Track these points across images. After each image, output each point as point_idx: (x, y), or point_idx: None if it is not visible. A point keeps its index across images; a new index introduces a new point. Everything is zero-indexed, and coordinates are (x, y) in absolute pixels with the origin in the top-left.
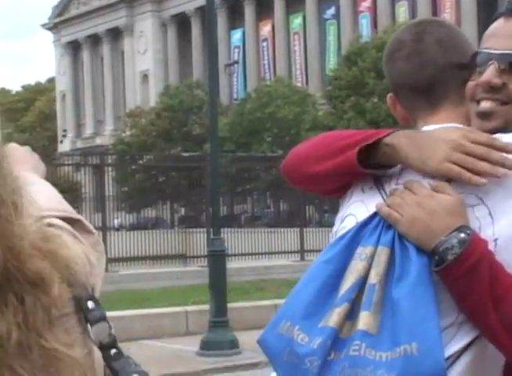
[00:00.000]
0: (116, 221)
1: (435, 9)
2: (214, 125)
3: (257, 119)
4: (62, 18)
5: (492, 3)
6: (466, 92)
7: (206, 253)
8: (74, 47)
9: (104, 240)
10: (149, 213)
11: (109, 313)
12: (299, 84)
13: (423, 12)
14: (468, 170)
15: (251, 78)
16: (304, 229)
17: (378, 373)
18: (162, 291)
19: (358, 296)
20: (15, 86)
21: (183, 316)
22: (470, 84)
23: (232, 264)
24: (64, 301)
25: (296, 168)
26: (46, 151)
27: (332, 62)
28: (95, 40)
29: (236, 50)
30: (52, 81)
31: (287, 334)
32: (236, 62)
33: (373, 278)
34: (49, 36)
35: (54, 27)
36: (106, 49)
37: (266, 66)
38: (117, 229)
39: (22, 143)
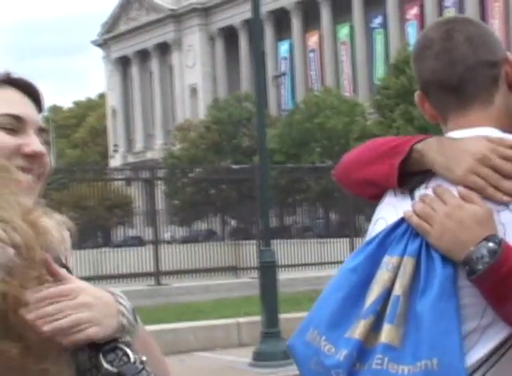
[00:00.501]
0: (167, 234)
1: (483, 15)
2: (263, 137)
3: (306, 130)
4: (111, 34)
5: None
6: None
7: (257, 265)
8: (124, 62)
9: (156, 254)
10: (200, 226)
11: (162, 326)
12: (347, 94)
13: (472, 10)
14: (492, 186)
15: (299, 89)
16: (355, 239)
17: None
18: (214, 302)
19: (383, 308)
20: (66, 103)
21: (235, 327)
22: None
23: (283, 275)
24: (43, 264)
25: (344, 173)
26: (96, 166)
27: (380, 71)
28: (143, 55)
29: (284, 61)
30: (102, 96)
31: (314, 342)
32: (284, 73)
33: (398, 290)
34: (99, 52)
35: (104, 43)
36: (154, 64)
37: (314, 77)
38: (169, 243)
39: (74, 159)
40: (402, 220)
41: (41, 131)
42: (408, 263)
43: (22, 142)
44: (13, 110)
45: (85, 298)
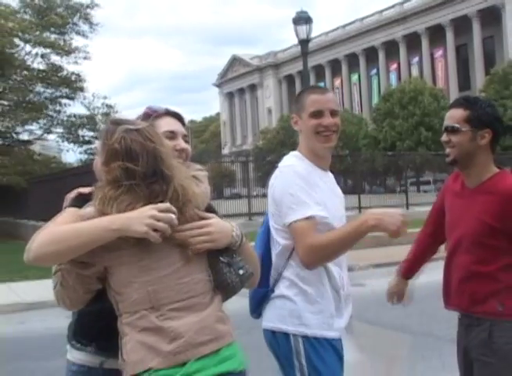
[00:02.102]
0: (254, 192)
1: (433, 68)
2: None
3: None
4: (223, 79)
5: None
6: None
7: None
8: (230, 95)
9: (249, 203)
10: None
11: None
12: (357, 113)
13: (427, 69)
14: None
15: None
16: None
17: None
18: None
19: None
20: (198, 118)
21: None
22: None
23: None
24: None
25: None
26: (215, 153)
27: (375, 99)
28: (241, 91)
29: None
30: (218, 114)
31: None
32: None
33: None
34: (216, 90)
35: (219, 84)
36: (247, 96)
37: (338, 103)
38: (255, 196)
39: (202, 150)
40: None
41: (184, 136)
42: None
43: (175, 144)
44: (170, 127)
45: (210, 229)
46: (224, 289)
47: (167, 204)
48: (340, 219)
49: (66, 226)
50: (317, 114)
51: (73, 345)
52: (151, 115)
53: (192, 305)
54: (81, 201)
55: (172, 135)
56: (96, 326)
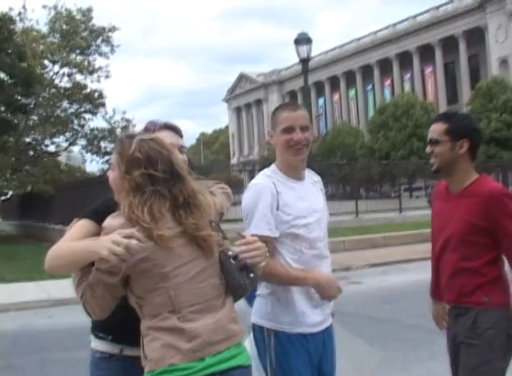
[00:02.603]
0: None
1: (423, 83)
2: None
3: (332, 144)
4: (231, 95)
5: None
6: None
7: None
8: (238, 110)
9: None
10: None
11: None
12: (354, 125)
13: (418, 85)
14: None
15: (329, 122)
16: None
17: None
18: None
19: None
20: (209, 130)
21: None
22: None
23: None
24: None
25: None
26: (224, 163)
27: (371, 113)
28: (248, 106)
29: (321, 108)
30: (227, 127)
31: None
32: (321, 114)
33: None
34: (225, 105)
35: (228, 100)
36: (254, 110)
37: (337, 116)
38: None
39: (211, 159)
40: None
41: (181, 147)
42: None
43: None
44: (168, 140)
45: (259, 244)
46: (236, 291)
47: (130, 230)
48: (308, 226)
49: (66, 244)
50: (288, 130)
51: (96, 335)
52: (151, 129)
53: (208, 307)
54: (93, 214)
55: (181, 148)
56: (115, 319)
